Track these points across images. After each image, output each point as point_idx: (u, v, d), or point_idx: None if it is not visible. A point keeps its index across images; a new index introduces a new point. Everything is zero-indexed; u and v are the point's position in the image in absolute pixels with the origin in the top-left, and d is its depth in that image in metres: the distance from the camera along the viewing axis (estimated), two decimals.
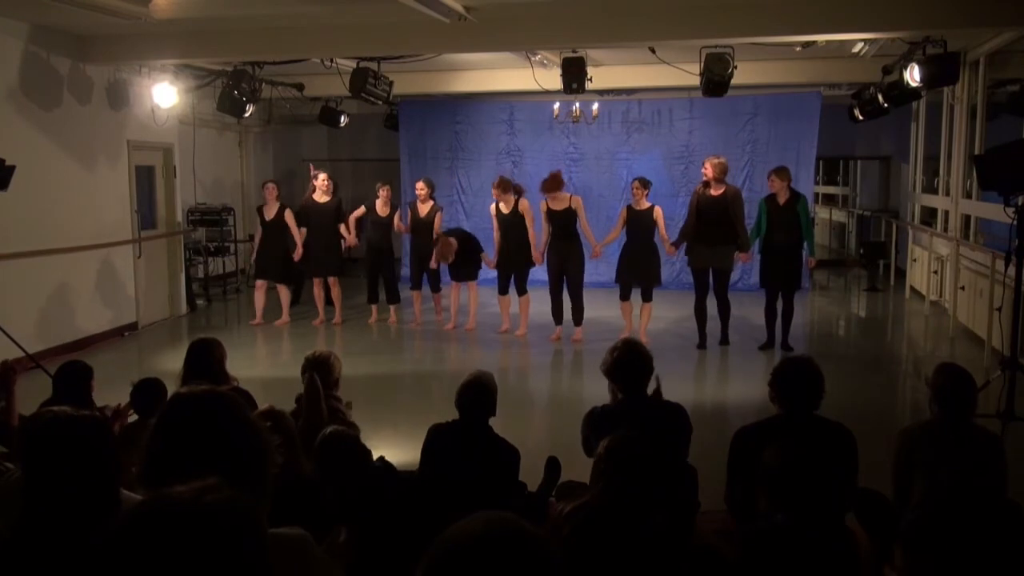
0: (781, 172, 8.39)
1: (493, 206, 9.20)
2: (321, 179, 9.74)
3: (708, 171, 8.41)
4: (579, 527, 2.71)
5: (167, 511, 1.31)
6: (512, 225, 8.99)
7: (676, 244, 8.76)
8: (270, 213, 9.74)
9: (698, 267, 8.59)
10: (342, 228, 9.73)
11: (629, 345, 3.82)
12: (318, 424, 3.83)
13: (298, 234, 9.70)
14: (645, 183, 8.72)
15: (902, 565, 1.99)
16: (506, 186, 9.03)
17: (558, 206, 8.82)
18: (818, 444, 2.86)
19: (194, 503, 1.32)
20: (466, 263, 9.27)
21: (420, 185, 9.62)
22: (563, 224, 8.78)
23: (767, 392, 3.57)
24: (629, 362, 3.75)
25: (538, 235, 9.01)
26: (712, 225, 8.35)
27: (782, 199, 8.28)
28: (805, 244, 8.40)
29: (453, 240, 9.17)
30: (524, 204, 9.04)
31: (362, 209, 9.75)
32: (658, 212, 8.67)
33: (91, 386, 4.27)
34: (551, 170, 9.31)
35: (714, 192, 8.40)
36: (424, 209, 9.52)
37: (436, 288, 9.75)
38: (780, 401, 3.50)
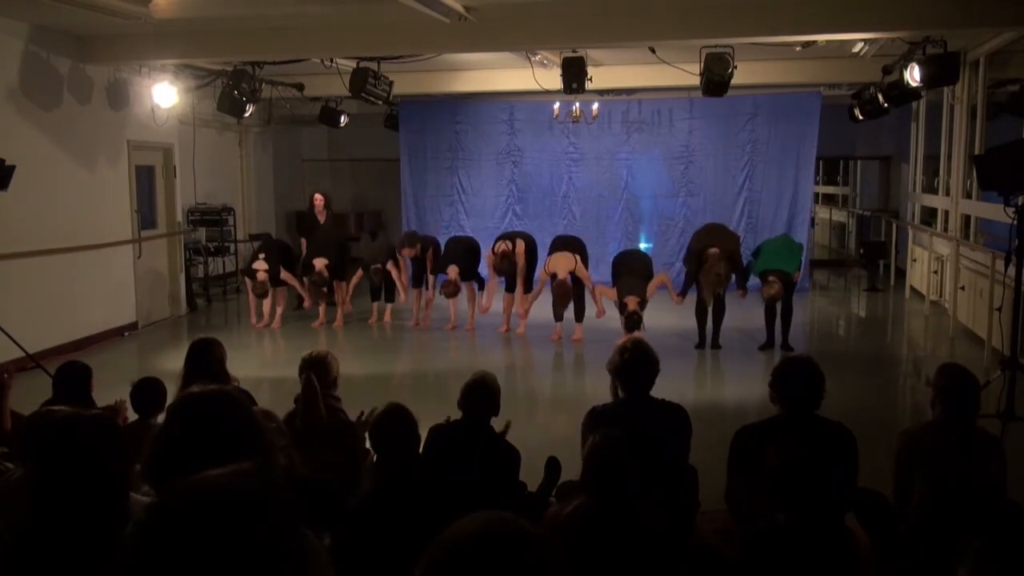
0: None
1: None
2: (318, 199, 10.15)
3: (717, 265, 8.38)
4: (570, 528, 2.72)
5: (209, 493, 1.30)
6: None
7: (682, 294, 8.76)
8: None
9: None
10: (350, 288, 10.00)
11: (638, 346, 3.81)
12: (315, 424, 3.83)
13: (300, 285, 9.87)
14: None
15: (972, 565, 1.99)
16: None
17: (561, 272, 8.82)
18: (819, 444, 2.86)
19: (234, 484, 1.32)
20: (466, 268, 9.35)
21: (407, 251, 9.79)
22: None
23: (767, 392, 3.56)
24: (637, 363, 3.75)
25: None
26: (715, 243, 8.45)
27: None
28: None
29: (453, 271, 9.25)
30: (520, 247, 9.11)
31: (359, 274, 9.89)
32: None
33: (91, 386, 4.27)
34: (557, 285, 8.83)
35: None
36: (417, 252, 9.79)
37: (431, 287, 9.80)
38: (780, 401, 3.49)
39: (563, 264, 8.74)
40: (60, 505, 1.97)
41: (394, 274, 9.76)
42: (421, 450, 3.80)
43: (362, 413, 4.08)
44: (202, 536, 1.24)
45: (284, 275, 9.69)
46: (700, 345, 8.58)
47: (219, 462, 1.61)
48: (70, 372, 4.29)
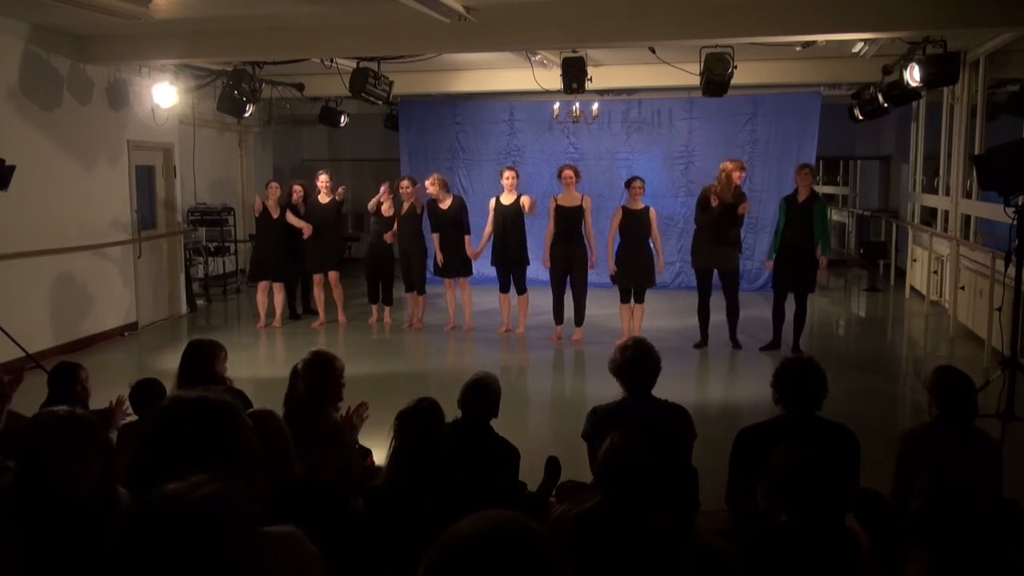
0: (807, 168, 8.37)
1: (493, 199, 9.20)
2: (322, 180, 9.77)
3: (740, 175, 8.33)
4: (583, 527, 2.72)
5: (160, 507, 1.37)
6: (509, 219, 9.00)
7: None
8: (276, 212, 9.77)
9: (700, 267, 8.58)
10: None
11: (639, 344, 3.79)
12: (316, 425, 3.81)
13: (301, 223, 9.69)
14: (643, 182, 8.69)
15: (920, 561, 2.00)
16: (516, 174, 9.19)
17: (568, 203, 8.80)
18: (823, 445, 2.85)
19: (185, 497, 1.37)
20: (453, 251, 9.28)
21: (405, 183, 9.54)
22: (570, 222, 8.76)
23: (768, 392, 3.56)
24: (638, 361, 3.74)
25: (541, 237, 9.06)
26: (717, 226, 8.30)
27: (802, 196, 8.19)
28: (820, 244, 8.13)
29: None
30: (525, 199, 9.04)
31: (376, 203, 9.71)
32: (652, 213, 8.62)
33: (84, 386, 4.26)
34: (560, 166, 9.21)
35: (729, 198, 8.31)
36: (406, 207, 9.48)
37: (422, 290, 9.67)
38: (783, 402, 3.49)
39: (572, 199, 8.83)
40: (46, 503, 1.98)
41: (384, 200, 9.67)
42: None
43: (349, 409, 4.07)
44: (160, 547, 1.32)
45: (290, 217, 9.71)
46: (700, 344, 8.57)
47: (195, 469, 1.64)
48: (61, 372, 4.31)
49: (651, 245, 8.70)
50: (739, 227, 8.49)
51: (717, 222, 8.32)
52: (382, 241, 9.68)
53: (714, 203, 8.25)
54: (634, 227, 8.56)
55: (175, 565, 1.31)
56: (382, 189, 9.68)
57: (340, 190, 9.74)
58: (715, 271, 8.53)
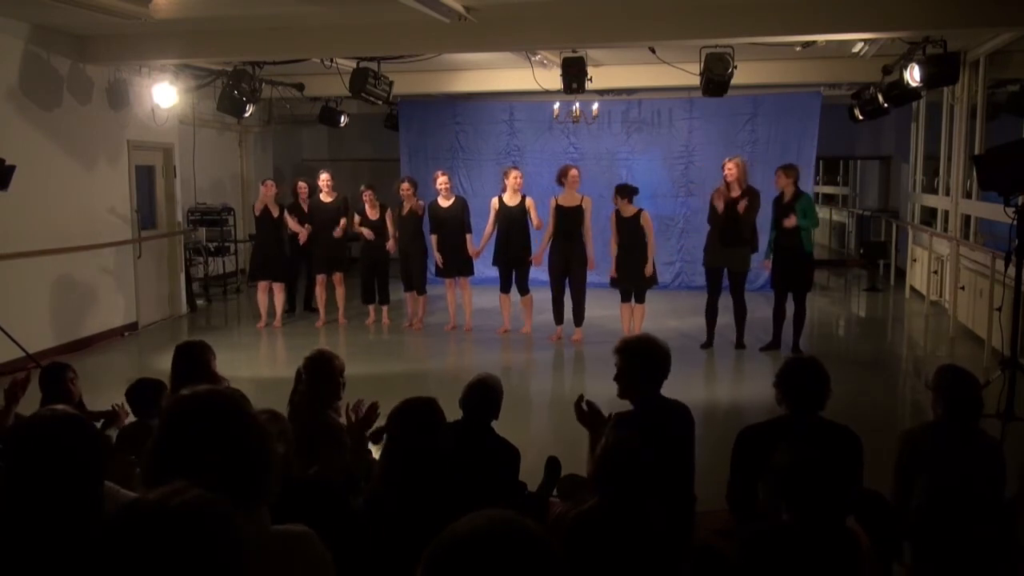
0: (787, 169, 8.30)
1: (495, 199, 9.20)
2: (323, 179, 9.79)
3: (732, 172, 8.29)
4: (583, 528, 2.72)
5: (136, 518, 1.37)
6: (514, 219, 8.99)
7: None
8: (276, 211, 9.77)
9: (711, 266, 8.55)
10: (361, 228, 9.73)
11: (648, 342, 3.73)
12: (316, 424, 3.81)
13: (297, 226, 9.74)
14: (623, 191, 8.60)
15: (911, 562, 2.00)
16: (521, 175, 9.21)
17: (569, 203, 8.79)
18: (826, 446, 2.85)
19: (160, 507, 1.37)
20: (454, 251, 9.28)
21: (405, 186, 9.55)
22: (571, 222, 8.74)
23: (769, 392, 3.55)
24: (648, 359, 3.69)
25: (540, 236, 9.04)
26: (729, 226, 8.29)
27: (786, 197, 8.22)
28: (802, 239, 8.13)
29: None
30: (530, 200, 9.04)
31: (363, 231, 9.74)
32: (645, 217, 8.58)
33: (68, 387, 4.26)
34: (561, 166, 9.21)
35: (734, 194, 8.30)
36: (407, 208, 9.49)
37: (422, 290, 9.68)
38: (786, 402, 3.48)
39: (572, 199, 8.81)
40: (29, 503, 1.98)
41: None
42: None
43: (347, 406, 4.06)
44: (138, 556, 1.33)
45: (288, 221, 9.75)
46: (706, 344, 8.55)
47: (215, 465, 1.63)
48: (49, 373, 4.32)
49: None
50: (745, 225, 8.35)
51: (725, 222, 8.31)
52: (377, 241, 9.68)
53: (719, 208, 8.25)
54: (629, 231, 8.55)
55: (156, 566, 1.31)
56: (363, 196, 9.68)
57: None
58: (725, 271, 8.51)
